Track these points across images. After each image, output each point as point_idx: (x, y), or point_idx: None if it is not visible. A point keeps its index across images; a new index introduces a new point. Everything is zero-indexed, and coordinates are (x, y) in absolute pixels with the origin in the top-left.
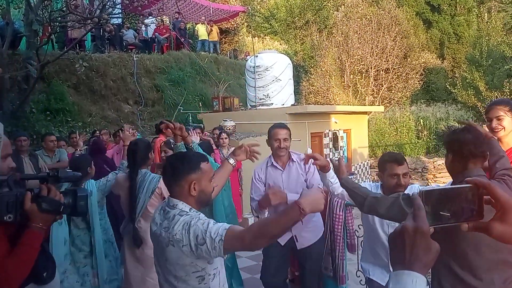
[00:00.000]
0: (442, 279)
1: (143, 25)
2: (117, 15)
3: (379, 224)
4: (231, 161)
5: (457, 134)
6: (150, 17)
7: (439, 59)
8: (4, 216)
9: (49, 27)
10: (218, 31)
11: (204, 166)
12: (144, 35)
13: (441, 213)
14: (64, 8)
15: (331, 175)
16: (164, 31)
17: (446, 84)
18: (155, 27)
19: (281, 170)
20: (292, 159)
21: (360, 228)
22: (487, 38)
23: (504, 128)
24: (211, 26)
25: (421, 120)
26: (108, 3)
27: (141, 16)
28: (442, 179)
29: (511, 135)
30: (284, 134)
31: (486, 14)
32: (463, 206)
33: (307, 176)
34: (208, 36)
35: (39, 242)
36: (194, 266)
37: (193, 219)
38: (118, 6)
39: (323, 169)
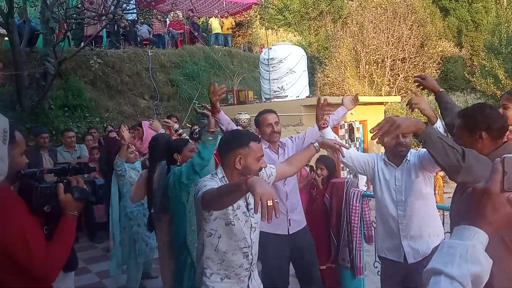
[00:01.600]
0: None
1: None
2: (131, 11)
3: (387, 194)
4: (316, 144)
5: (483, 111)
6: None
7: (457, 47)
8: (43, 207)
9: (65, 24)
10: (233, 24)
11: (253, 145)
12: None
13: None
14: (80, 5)
15: (329, 134)
16: (179, 26)
17: (465, 72)
18: (169, 22)
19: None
20: (283, 142)
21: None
22: (506, 25)
23: (508, 118)
24: (223, 19)
25: (439, 110)
26: None
27: (155, 11)
28: None
29: None
30: (274, 117)
31: (505, 0)
32: None
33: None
34: (221, 29)
35: (74, 228)
36: (198, 214)
37: (210, 178)
38: (132, 2)
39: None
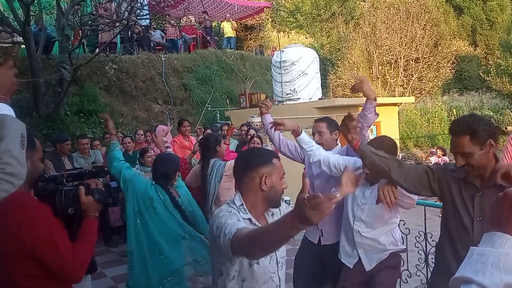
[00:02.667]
0: None
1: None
2: (145, 17)
3: (351, 205)
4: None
5: (481, 120)
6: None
7: (472, 46)
8: (68, 209)
9: (80, 31)
10: (235, 26)
11: (276, 162)
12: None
13: None
14: (94, 12)
15: (305, 140)
16: (191, 31)
17: (479, 72)
18: (181, 26)
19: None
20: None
21: None
22: None
23: None
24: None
25: (454, 110)
26: (136, 5)
27: (168, 16)
28: None
29: None
30: (318, 126)
31: None
32: None
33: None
34: (234, 33)
35: (96, 228)
36: (218, 257)
37: (228, 210)
38: (145, 8)
39: (295, 134)
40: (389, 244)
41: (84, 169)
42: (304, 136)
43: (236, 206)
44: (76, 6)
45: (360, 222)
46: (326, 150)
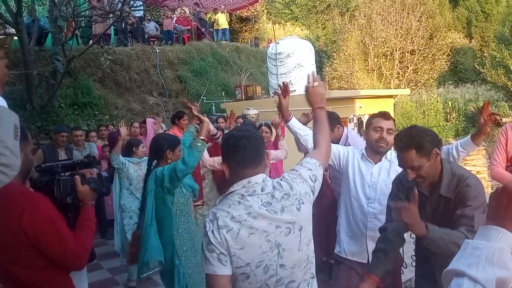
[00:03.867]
0: None
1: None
2: (139, 8)
3: (361, 189)
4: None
5: (424, 132)
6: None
7: (467, 38)
8: (67, 198)
9: (73, 23)
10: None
11: None
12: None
13: None
14: (87, 3)
15: (296, 125)
16: (186, 22)
17: (475, 64)
18: (176, 18)
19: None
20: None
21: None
22: None
23: None
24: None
25: (449, 102)
26: None
27: (164, 8)
28: (473, 162)
29: None
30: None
31: None
32: None
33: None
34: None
35: (94, 215)
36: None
37: (294, 172)
38: None
39: (284, 120)
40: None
41: (76, 160)
42: (295, 122)
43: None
44: None
45: (374, 203)
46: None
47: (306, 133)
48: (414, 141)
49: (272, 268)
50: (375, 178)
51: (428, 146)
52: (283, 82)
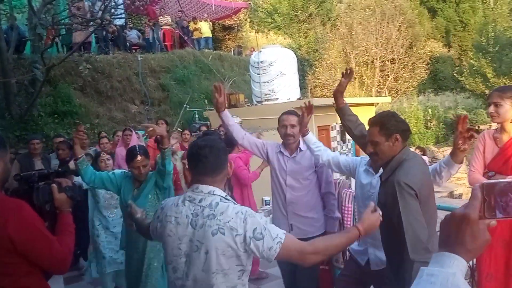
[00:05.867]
0: None
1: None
2: (120, 16)
3: (361, 198)
4: None
5: (394, 117)
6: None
7: (446, 47)
8: (45, 205)
9: (53, 31)
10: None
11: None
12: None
13: (502, 205)
14: (67, 11)
15: (312, 140)
16: (171, 33)
17: (454, 72)
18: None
19: (288, 157)
20: (300, 147)
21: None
22: (493, 24)
23: (499, 115)
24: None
25: (429, 110)
26: (110, 4)
27: (148, 18)
28: None
29: None
30: (292, 120)
31: (491, 0)
32: None
33: (317, 168)
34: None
35: (72, 221)
36: (239, 259)
37: (247, 210)
38: (120, 7)
39: (302, 134)
40: None
41: (50, 169)
42: (311, 137)
43: (226, 197)
44: (48, 5)
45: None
46: (296, 142)
47: (319, 149)
48: (381, 120)
49: (179, 272)
50: (373, 188)
51: (391, 128)
52: (308, 101)
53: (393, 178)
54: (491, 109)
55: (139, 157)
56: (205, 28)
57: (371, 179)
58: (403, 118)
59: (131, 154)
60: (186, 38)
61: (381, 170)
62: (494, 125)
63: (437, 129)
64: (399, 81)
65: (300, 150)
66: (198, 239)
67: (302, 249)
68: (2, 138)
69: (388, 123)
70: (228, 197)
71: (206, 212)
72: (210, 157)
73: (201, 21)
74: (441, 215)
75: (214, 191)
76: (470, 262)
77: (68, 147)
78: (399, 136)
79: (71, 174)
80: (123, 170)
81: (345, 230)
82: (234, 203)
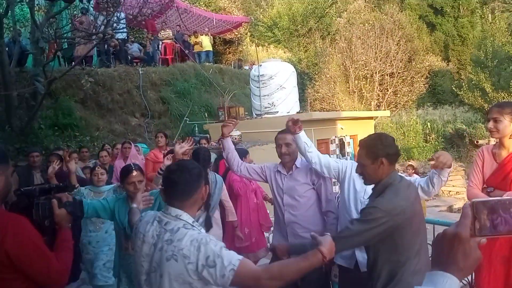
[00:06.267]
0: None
1: (149, 41)
2: (122, 30)
3: (353, 203)
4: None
5: (381, 140)
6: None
7: (444, 61)
8: (45, 221)
9: (55, 44)
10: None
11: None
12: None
13: (494, 223)
14: (70, 25)
15: (303, 138)
16: (172, 46)
17: (452, 86)
18: (162, 43)
19: (284, 175)
20: (296, 165)
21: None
22: (491, 39)
23: (499, 131)
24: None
25: (428, 124)
26: (112, 19)
27: (148, 32)
28: (452, 182)
29: None
30: (287, 139)
31: (489, 15)
32: None
33: (315, 185)
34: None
35: (71, 237)
36: (191, 286)
37: (203, 238)
38: (122, 21)
39: (293, 131)
40: None
41: (52, 184)
42: (303, 135)
43: (193, 224)
44: (51, 19)
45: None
46: (292, 161)
47: (310, 150)
48: (368, 143)
49: (141, 286)
50: (367, 195)
51: (377, 152)
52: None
53: None
54: (490, 124)
55: (134, 173)
56: (206, 42)
57: (366, 187)
58: (403, 131)
59: (126, 171)
60: (187, 51)
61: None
62: (493, 140)
63: (436, 142)
64: (398, 95)
65: (297, 167)
66: (156, 261)
67: (256, 275)
68: (4, 152)
69: (375, 147)
70: (194, 223)
71: (166, 237)
72: (179, 181)
73: (202, 35)
74: (441, 229)
75: (181, 215)
76: (470, 278)
77: (60, 159)
78: (384, 160)
79: (72, 189)
80: (114, 195)
81: (306, 254)
82: (195, 230)
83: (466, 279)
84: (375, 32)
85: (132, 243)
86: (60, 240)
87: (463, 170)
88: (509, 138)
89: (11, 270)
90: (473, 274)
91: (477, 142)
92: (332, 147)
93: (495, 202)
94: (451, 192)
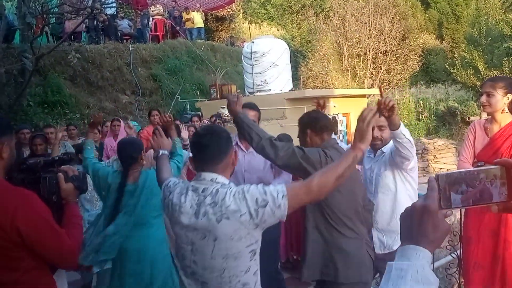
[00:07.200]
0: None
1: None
2: (111, 5)
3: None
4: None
5: (308, 114)
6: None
7: (438, 39)
8: (53, 196)
9: (43, 20)
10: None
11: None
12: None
13: (458, 195)
14: (57, 0)
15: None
16: (163, 23)
17: (446, 64)
18: (152, 19)
19: (244, 151)
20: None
21: None
22: (485, 17)
23: (491, 105)
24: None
25: (421, 102)
26: None
27: (137, 8)
28: (443, 160)
29: (506, 115)
30: (252, 115)
31: None
32: (487, 187)
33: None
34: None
35: (79, 212)
36: (249, 238)
37: (242, 188)
38: None
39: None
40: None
41: (55, 156)
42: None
43: (229, 184)
44: None
45: (372, 197)
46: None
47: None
48: (299, 119)
49: (187, 259)
50: (373, 172)
51: (303, 124)
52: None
53: None
54: (483, 98)
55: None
56: (197, 19)
57: (371, 164)
58: (400, 109)
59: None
60: (178, 28)
61: (379, 153)
62: (484, 115)
63: (428, 121)
64: (392, 73)
65: None
66: (204, 228)
67: (306, 189)
68: (8, 123)
69: (302, 121)
70: (230, 183)
71: (208, 201)
72: (210, 144)
73: (194, 11)
74: None
75: (216, 178)
76: (458, 252)
77: (45, 141)
78: (309, 131)
79: (76, 162)
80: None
81: (346, 154)
82: (232, 187)
83: (455, 253)
84: (369, 10)
85: (166, 216)
86: (68, 216)
87: (454, 147)
88: (501, 113)
89: (22, 248)
90: (461, 247)
91: (468, 118)
92: None
93: (458, 173)
94: (441, 169)
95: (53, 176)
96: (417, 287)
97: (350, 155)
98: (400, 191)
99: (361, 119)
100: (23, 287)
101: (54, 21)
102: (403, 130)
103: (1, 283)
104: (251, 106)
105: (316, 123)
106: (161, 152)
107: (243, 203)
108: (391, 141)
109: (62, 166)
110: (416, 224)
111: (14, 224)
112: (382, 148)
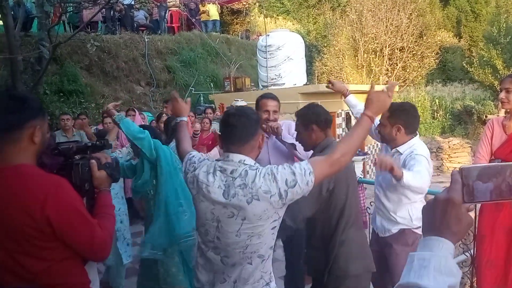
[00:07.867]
0: None
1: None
2: None
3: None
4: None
5: (311, 108)
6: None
7: (456, 37)
8: (85, 184)
9: (60, 8)
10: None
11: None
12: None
13: (482, 189)
14: None
15: (352, 102)
16: (179, 15)
17: (463, 63)
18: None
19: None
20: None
21: (371, 205)
22: (505, 15)
23: (510, 102)
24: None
25: (437, 100)
26: None
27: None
28: (457, 159)
29: None
30: (274, 106)
31: None
32: (509, 182)
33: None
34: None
35: (111, 201)
36: (275, 216)
37: (270, 169)
38: None
39: (343, 96)
40: (401, 219)
41: (89, 142)
42: (352, 98)
43: (255, 165)
44: None
45: (379, 187)
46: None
47: (358, 111)
48: (301, 113)
49: (211, 235)
50: None
51: (307, 119)
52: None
53: None
54: (502, 95)
55: None
56: (213, 11)
57: (387, 154)
58: None
59: None
60: (193, 20)
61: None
62: (502, 114)
63: (444, 119)
64: (408, 70)
65: None
66: (234, 207)
67: (330, 161)
68: (41, 105)
69: (305, 116)
70: (257, 165)
71: (237, 182)
72: (238, 124)
73: (209, 3)
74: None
75: (244, 160)
76: (471, 251)
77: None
78: (315, 126)
79: (110, 147)
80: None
81: (356, 123)
82: (260, 168)
83: (468, 251)
84: (387, 5)
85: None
86: (100, 205)
87: (470, 147)
88: None
89: (52, 238)
90: (475, 244)
91: (486, 117)
92: (338, 120)
93: (482, 167)
94: (456, 168)
95: (85, 163)
96: (440, 278)
97: (365, 119)
98: (405, 190)
99: (390, 89)
100: (54, 277)
101: (72, 10)
102: (409, 180)
103: (32, 273)
104: (271, 96)
105: (321, 118)
106: (179, 119)
107: (274, 184)
108: (407, 145)
109: (95, 153)
110: (440, 216)
111: (45, 213)
112: (398, 148)
